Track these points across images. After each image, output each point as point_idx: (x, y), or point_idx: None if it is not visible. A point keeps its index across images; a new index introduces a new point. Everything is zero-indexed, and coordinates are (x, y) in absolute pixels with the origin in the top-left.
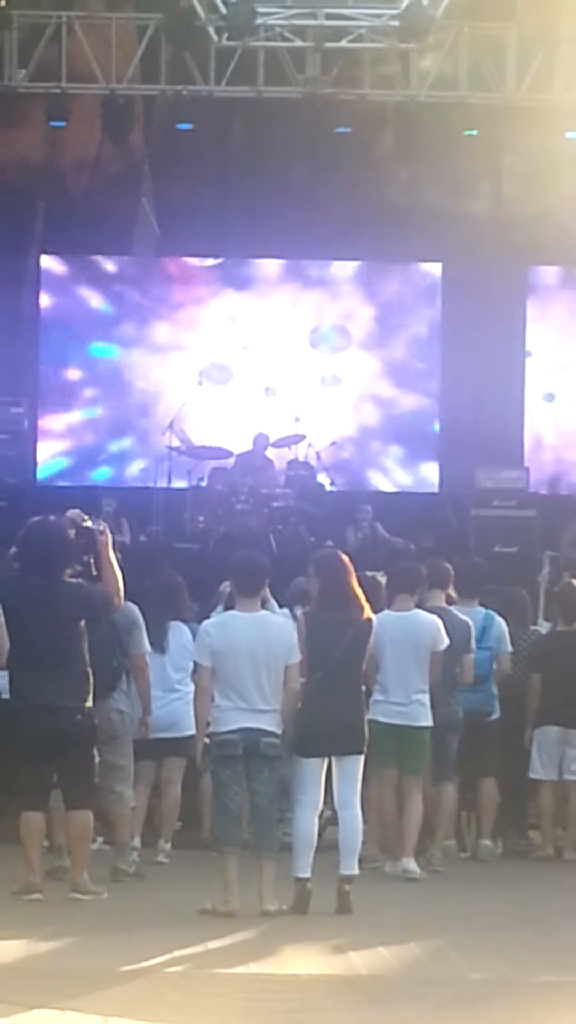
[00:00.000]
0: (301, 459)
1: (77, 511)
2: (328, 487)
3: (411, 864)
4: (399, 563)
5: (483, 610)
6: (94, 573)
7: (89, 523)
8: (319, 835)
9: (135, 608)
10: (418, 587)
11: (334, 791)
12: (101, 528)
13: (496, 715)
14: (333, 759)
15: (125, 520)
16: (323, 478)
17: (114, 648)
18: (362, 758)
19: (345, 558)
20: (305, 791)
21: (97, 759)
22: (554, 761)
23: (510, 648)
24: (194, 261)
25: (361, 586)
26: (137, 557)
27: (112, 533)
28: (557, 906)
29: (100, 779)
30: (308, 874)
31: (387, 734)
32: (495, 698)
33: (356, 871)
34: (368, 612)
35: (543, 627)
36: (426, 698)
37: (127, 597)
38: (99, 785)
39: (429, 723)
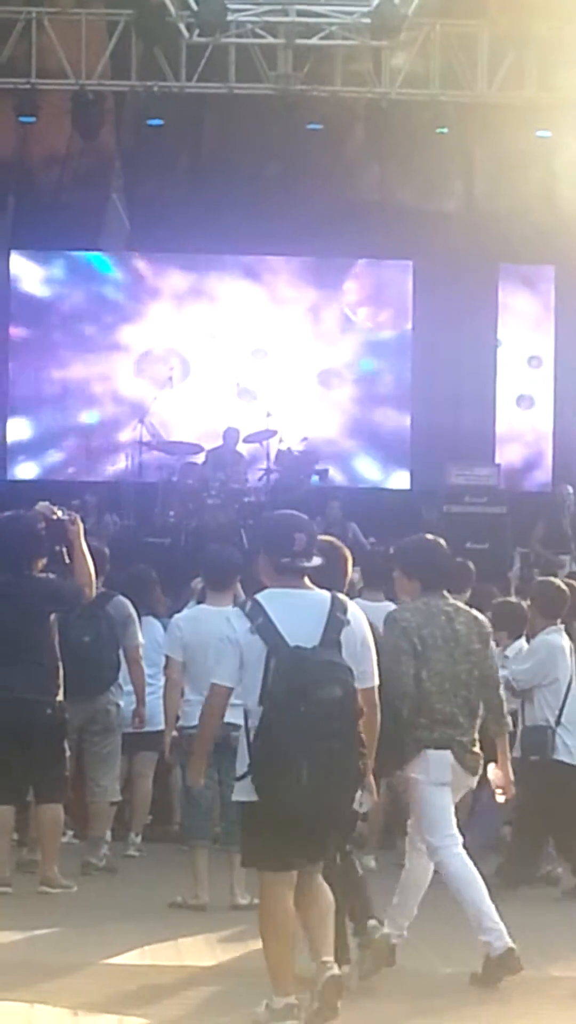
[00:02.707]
0: (274, 455)
1: (46, 504)
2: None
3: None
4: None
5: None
6: (67, 562)
7: (60, 514)
8: None
9: (128, 603)
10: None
11: None
12: (72, 518)
13: None
14: None
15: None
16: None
17: (113, 642)
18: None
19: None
20: None
21: (67, 753)
22: None
23: None
24: (163, 256)
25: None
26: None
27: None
28: (527, 901)
29: (86, 771)
30: None
31: None
32: None
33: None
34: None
35: None
36: None
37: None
38: (84, 777)
39: None
